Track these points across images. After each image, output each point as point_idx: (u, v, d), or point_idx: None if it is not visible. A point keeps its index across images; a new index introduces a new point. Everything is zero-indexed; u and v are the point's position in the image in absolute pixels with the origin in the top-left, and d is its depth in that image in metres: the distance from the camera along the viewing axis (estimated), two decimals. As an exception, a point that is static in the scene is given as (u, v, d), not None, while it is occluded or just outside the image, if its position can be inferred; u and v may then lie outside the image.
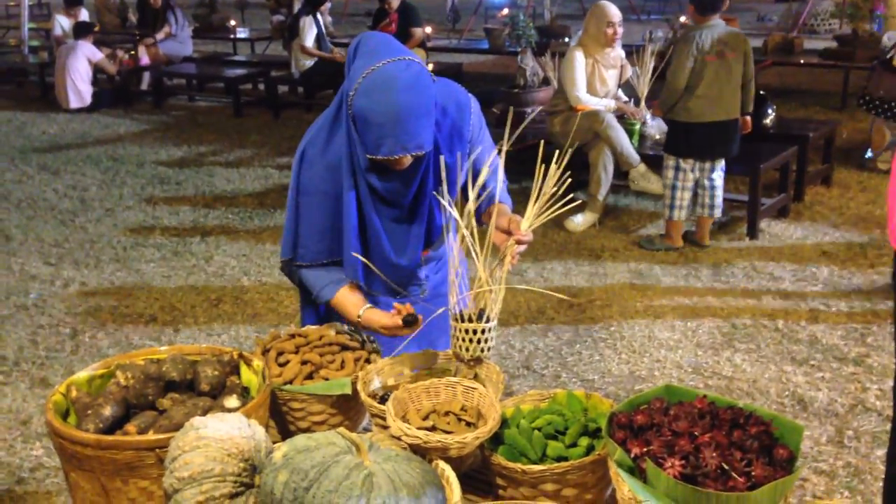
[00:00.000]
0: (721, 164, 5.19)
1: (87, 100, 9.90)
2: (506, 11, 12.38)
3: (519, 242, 1.97)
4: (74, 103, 9.82)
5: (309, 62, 9.31)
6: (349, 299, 2.12)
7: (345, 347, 2.01)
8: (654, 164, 5.63)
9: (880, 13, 8.66)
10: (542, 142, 2.01)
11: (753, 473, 1.37)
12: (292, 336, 2.04)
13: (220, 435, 1.47)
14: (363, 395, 1.78)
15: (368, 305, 2.12)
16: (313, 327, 2.08)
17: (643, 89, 5.90)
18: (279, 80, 9.93)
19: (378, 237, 2.09)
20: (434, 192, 2.05)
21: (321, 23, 9.40)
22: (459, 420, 1.72)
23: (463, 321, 1.86)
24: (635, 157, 5.68)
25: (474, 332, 1.86)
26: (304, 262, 2.15)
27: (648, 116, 5.96)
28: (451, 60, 11.00)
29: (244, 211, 6.33)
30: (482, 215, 2.17)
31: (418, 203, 2.08)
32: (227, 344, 4.23)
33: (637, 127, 5.88)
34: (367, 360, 1.98)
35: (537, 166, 1.88)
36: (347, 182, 2.02)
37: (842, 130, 7.36)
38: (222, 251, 5.53)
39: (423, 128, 1.88)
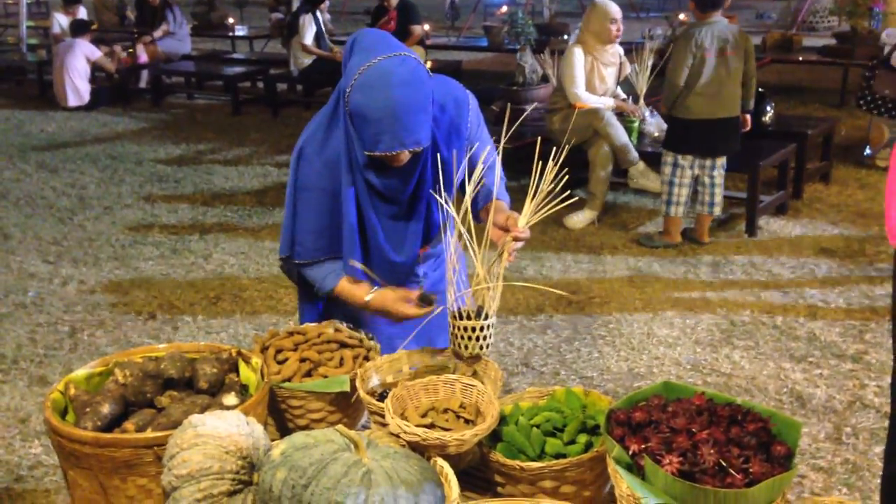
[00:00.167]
0: (722, 161, 5.19)
1: (86, 98, 9.89)
2: (505, 9, 12.38)
3: (516, 239, 1.97)
4: (73, 102, 9.81)
5: (308, 60, 9.31)
6: (354, 285, 2.12)
7: (343, 345, 2.01)
8: (653, 161, 5.63)
9: (879, 10, 8.66)
10: (539, 139, 2.01)
11: (751, 470, 1.37)
12: (291, 334, 2.04)
13: (218, 432, 1.47)
14: (362, 393, 1.78)
15: (376, 288, 2.10)
16: (312, 325, 2.08)
17: (642, 87, 5.90)
18: (278, 77, 9.92)
19: (376, 234, 2.09)
20: (431, 190, 2.05)
21: (320, 21, 9.40)
22: (458, 417, 1.72)
23: (461, 319, 1.86)
24: (634, 154, 5.68)
25: (472, 329, 1.86)
26: (303, 260, 2.15)
27: (647, 114, 5.96)
28: (451, 58, 11.00)
29: (243, 209, 6.33)
30: (480, 212, 2.17)
31: (416, 200, 2.08)
32: (225, 341, 4.23)
33: (636, 124, 5.88)
34: (366, 358, 1.98)
35: (535, 163, 1.88)
36: (346, 179, 2.02)
37: (840, 127, 7.36)
38: (221, 249, 5.53)
39: (420, 123, 1.88)
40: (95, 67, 10.08)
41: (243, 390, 1.83)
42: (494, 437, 1.69)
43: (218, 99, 10.62)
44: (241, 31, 12.93)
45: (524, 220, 1.96)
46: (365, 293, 2.09)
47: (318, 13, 9.41)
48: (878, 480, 2.89)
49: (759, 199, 5.55)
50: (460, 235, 1.90)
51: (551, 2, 12.63)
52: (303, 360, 1.94)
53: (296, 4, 10.98)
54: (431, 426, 1.68)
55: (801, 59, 9.20)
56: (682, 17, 9.43)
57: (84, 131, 8.96)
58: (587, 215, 5.76)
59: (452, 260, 1.98)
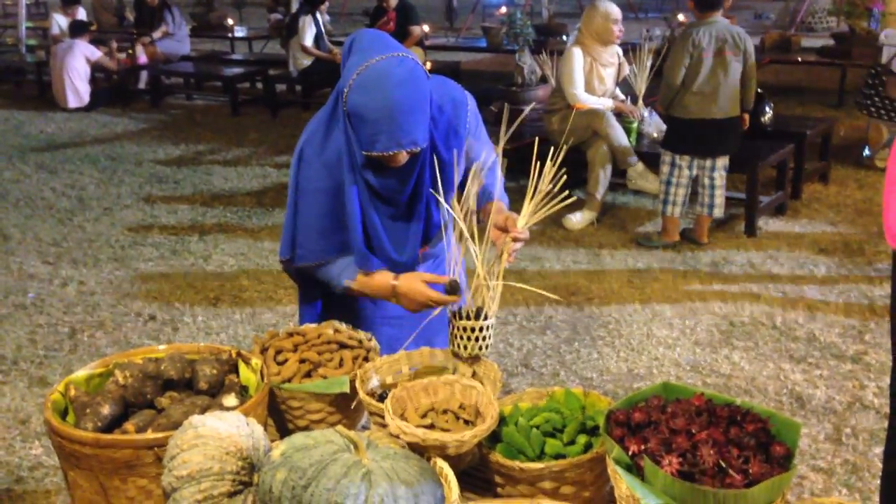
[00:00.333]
0: (722, 163, 5.18)
1: (86, 99, 9.89)
2: (503, 10, 12.38)
3: (516, 240, 1.98)
4: (73, 103, 9.82)
5: (307, 61, 9.31)
6: (374, 275, 2.10)
7: (343, 346, 2.01)
8: (652, 161, 5.63)
9: (877, 11, 8.67)
10: (537, 139, 2.01)
11: (751, 471, 1.37)
12: (291, 334, 2.04)
13: (218, 433, 1.47)
14: (361, 394, 1.78)
15: (395, 276, 2.08)
16: (312, 326, 2.08)
17: (640, 87, 5.91)
18: (277, 78, 9.93)
19: (377, 233, 2.09)
20: (431, 190, 2.05)
21: (320, 22, 9.40)
22: (458, 418, 1.72)
23: (461, 319, 1.87)
24: (633, 156, 5.68)
25: (472, 329, 1.86)
26: (310, 262, 2.14)
27: (646, 114, 5.97)
28: (449, 59, 11.00)
29: (242, 210, 6.33)
30: (479, 213, 2.17)
31: (415, 201, 2.08)
32: (225, 342, 4.23)
33: (634, 125, 5.88)
34: (366, 359, 1.98)
35: (533, 164, 1.89)
36: (349, 178, 2.01)
37: (839, 128, 7.37)
38: (220, 250, 5.53)
39: (418, 124, 1.88)
40: (95, 68, 10.08)
41: (243, 391, 1.83)
42: (494, 437, 1.69)
43: (217, 100, 10.62)
44: (239, 31, 12.93)
45: (523, 221, 1.97)
46: (390, 278, 2.07)
47: (318, 14, 9.42)
48: (878, 481, 2.89)
49: (758, 200, 5.55)
50: (460, 236, 1.90)
51: (550, 2, 12.64)
52: (302, 361, 1.94)
53: (295, 5, 10.99)
54: (431, 427, 1.68)
55: (799, 59, 9.21)
56: (680, 17, 9.43)
57: (83, 132, 8.96)
58: (586, 216, 5.77)
59: (452, 260, 1.99)
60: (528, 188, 1.90)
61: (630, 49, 5.98)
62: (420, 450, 1.57)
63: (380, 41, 1.91)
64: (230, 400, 1.75)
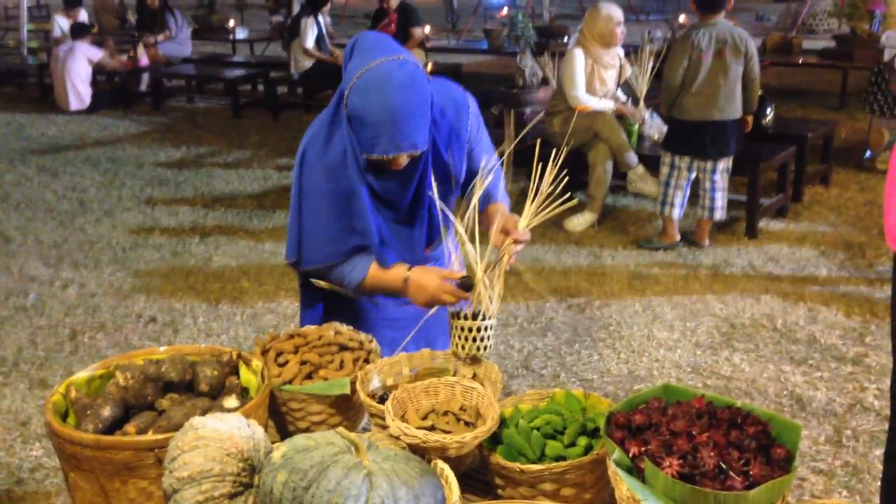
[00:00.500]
0: (724, 166, 5.18)
1: (87, 101, 9.91)
2: (505, 12, 12.40)
3: (516, 242, 1.98)
4: (75, 105, 9.83)
5: (308, 63, 9.32)
6: (386, 270, 2.09)
7: (344, 348, 2.01)
8: (653, 164, 5.63)
9: (879, 13, 8.67)
10: (539, 141, 2.02)
11: (751, 473, 1.37)
12: (291, 336, 2.04)
13: (219, 435, 1.47)
14: (362, 395, 1.78)
15: (409, 267, 2.07)
16: (312, 328, 2.08)
17: (642, 89, 5.91)
18: (278, 80, 9.93)
19: (385, 235, 2.09)
20: (432, 193, 2.05)
21: (322, 24, 9.41)
22: (458, 420, 1.72)
23: (459, 319, 1.87)
24: (634, 158, 5.69)
25: (469, 329, 1.86)
26: (318, 265, 2.13)
27: (647, 116, 5.97)
28: (450, 61, 11.00)
29: (243, 212, 6.34)
30: (480, 215, 2.17)
31: (417, 204, 2.08)
32: (226, 344, 4.23)
33: (636, 127, 5.88)
34: (366, 360, 1.98)
35: (534, 166, 1.89)
36: (358, 179, 2.01)
37: (840, 130, 7.37)
38: (221, 252, 5.53)
39: (418, 127, 1.88)
40: (97, 70, 10.09)
41: (244, 393, 1.83)
42: (494, 439, 1.69)
43: (218, 102, 10.63)
44: (241, 34, 12.94)
45: (524, 223, 1.97)
46: (403, 270, 2.07)
47: (320, 16, 9.43)
48: (879, 483, 2.89)
49: (760, 202, 5.55)
50: (461, 238, 1.91)
51: (551, 4, 12.65)
52: (303, 363, 1.94)
53: (296, 7, 11.00)
54: (432, 428, 1.68)
55: (800, 61, 9.21)
56: (681, 19, 9.44)
57: (84, 135, 8.97)
58: (587, 218, 5.77)
59: (453, 262, 1.99)
60: (529, 190, 1.91)
61: (632, 51, 5.98)
62: (421, 451, 1.57)
63: (381, 44, 1.92)
64: (231, 401, 1.75)
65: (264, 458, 1.50)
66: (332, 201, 2.05)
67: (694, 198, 5.41)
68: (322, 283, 2.15)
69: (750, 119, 5.30)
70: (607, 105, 5.71)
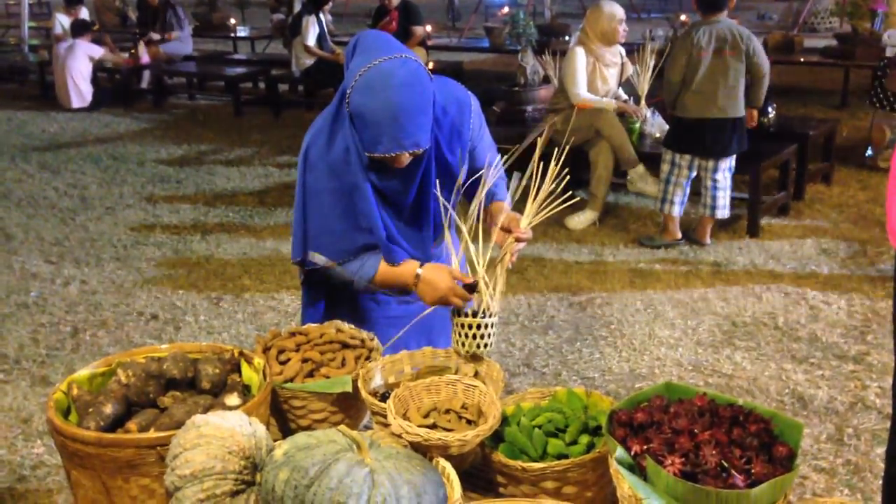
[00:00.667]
0: (725, 165, 5.17)
1: (89, 99, 9.92)
2: (506, 10, 12.39)
3: (518, 240, 1.98)
4: (76, 103, 9.84)
5: (309, 61, 9.31)
6: (395, 267, 2.08)
7: (345, 345, 2.01)
8: (654, 162, 5.64)
9: (880, 11, 8.66)
10: (539, 140, 2.02)
11: (753, 471, 1.37)
12: (293, 334, 2.04)
13: (221, 433, 1.47)
14: (364, 393, 1.78)
15: (421, 264, 2.06)
16: (314, 325, 2.08)
17: (643, 88, 5.91)
18: (279, 78, 9.93)
19: (393, 233, 2.09)
20: (435, 191, 2.05)
21: (323, 22, 9.40)
22: (460, 418, 1.72)
23: (460, 316, 1.87)
24: (635, 157, 5.69)
25: (470, 326, 1.86)
26: (327, 263, 2.13)
27: (649, 114, 5.96)
28: (452, 59, 11.00)
29: (244, 209, 6.34)
30: (483, 213, 2.17)
31: (420, 202, 2.07)
32: (227, 342, 4.23)
33: (637, 126, 5.88)
34: (368, 358, 1.98)
35: (535, 164, 1.89)
36: (361, 176, 2.01)
37: (842, 129, 7.36)
38: (223, 249, 5.53)
39: (420, 125, 1.88)
40: (98, 67, 10.09)
41: (245, 391, 1.83)
42: (496, 437, 1.69)
43: (219, 100, 10.63)
44: (242, 31, 12.94)
45: (526, 221, 1.97)
46: (412, 268, 2.06)
47: (321, 14, 9.42)
48: (880, 481, 2.89)
49: (761, 200, 5.55)
50: (464, 240, 1.91)
51: (552, 3, 12.63)
52: (305, 361, 1.94)
53: (297, 5, 10.98)
54: (433, 427, 1.68)
55: (802, 60, 9.20)
56: (683, 18, 9.43)
57: (86, 132, 8.97)
58: (588, 216, 5.77)
59: (455, 260, 1.99)
60: (530, 188, 1.91)
61: (633, 49, 5.98)
62: (422, 449, 1.57)
63: (383, 42, 1.92)
64: (233, 399, 1.75)
65: (266, 456, 1.50)
66: (337, 199, 2.04)
67: (696, 196, 5.41)
68: (319, 259, 2.11)
69: (755, 113, 5.28)
70: (609, 103, 5.71)
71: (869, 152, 6.97)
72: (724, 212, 5.29)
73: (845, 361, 3.95)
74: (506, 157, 2.17)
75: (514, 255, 1.99)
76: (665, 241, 5.38)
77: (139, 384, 1.76)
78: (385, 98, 1.83)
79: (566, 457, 1.63)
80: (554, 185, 1.91)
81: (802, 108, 9.05)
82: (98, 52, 9.91)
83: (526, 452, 1.65)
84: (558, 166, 1.89)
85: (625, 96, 6.00)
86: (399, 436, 1.59)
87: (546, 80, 6.72)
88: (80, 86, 9.81)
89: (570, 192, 1.93)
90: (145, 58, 10.44)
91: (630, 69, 5.89)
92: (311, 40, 9.21)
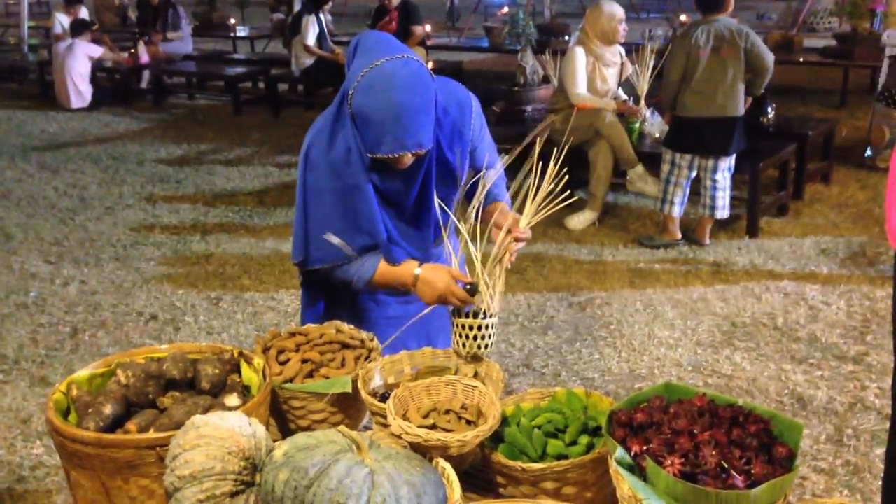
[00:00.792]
0: (725, 165, 5.17)
1: (88, 99, 9.92)
2: (506, 9, 12.39)
3: (518, 240, 1.98)
4: (76, 103, 9.84)
5: (309, 60, 9.32)
6: (395, 267, 2.08)
7: (345, 346, 2.01)
8: (653, 162, 5.64)
9: (879, 11, 8.66)
10: (539, 140, 2.02)
11: (753, 472, 1.37)
12: (293, 334, 2.04)
13: (220, 433, 1.47)
14: (363, 394, 1.78)
15: (420, 264, 2.06)
16: (314, 326, 2.08)
17: (643, 87, 5.91)
18: (279, 78, 9.93)
19: (393, 234, 2.09)
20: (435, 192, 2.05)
21: (323, 21, 9.41)
22: (460, 418, 1.72)
23: (460, 317, 1.87)
24: (634, 157, 5.69)
25: (471, 327, 1.86)
26: (325, 265, 2.12)
27: (648, 114, 5.97)
28: (451, 59, 11.00)
29: (244, 209, 6.34)
30: (483, 214, 2.17)
31: (422, 203, 2.07)
32: (227, 342, 4.23)
33: (637, 125, 5.88)
34: (368, 359, 1.98)
35: (535, 164, 1.89)
36: (363, 177, 2.01)
37: (841, 128, 7.36)
38: (222, 249, 5.53)
39: (423, 125, 1.88)
40: (98, 67, 10.08)
41: (245, 391, 1.83)
42: (496, 438, 1.69)
43: (219, 99, 10.62)
44: (242, 31, 12.94)
45: (526, 221, 1.97)
46: (411, 268, 2.06)
47: (321, 14, 9.42)
48: (880, 482, 2.89)
49: (760, 200, 5.55)
50: (463, 240, 1.91)
51: (552, 2, 12.63)
52: (304, 361, 1.94)
53: (297, 5, 10.99)
54: (433, 427, 1.68)
55: (801, 59, 9.20)
56: (682, 17, 9.43)
57: (85, 131, 8.97)
58: (588, 216, 5.77)
59: (455, 260, 1.99)
60: (530, 188, 1.90)
61: (633, 49, 5.98)
62: (422, 450, 1.57)
63: (385, 43, 1.91)
64: (232, 400, 1.75)
65: (266, 457, 1.50)
66: (338, 200, 2.04)
67: (695, 196, 5.41)
68: (334, 240, 2.10)
69: (749, 100, 5.26)
70: (608, 103, 5.71)
71: (868, 152, 6.97)
72: (723, 212, 5.29)
73: (845, 362, 3.95)
74: (504, 157, 2.17)
75: (513, 256, 1.99)
76: (664, 241, 5.38)
77: (139, 385, 1.76)
78: (387, 98, 1.83)
79: (566, 457, 1.63)
80: (553, 185, 1.91)
81: (802, 107, 9.05)
82: (97, 51, 9.91)
83: (525, 453, 1.65)
84: (557, 166, 1.89)
85: (624, 96, 6.00)
86: (399, 436, 1.59)
87: (546, 79, 6.71)
88: (79, 85, 9.81)
89: (570, 192, 1.93)
90: (144, 57, 10.44)
91: (629, 69, 5.89)
92: (311, 40, 9.21)
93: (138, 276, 5.12)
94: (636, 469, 1.43)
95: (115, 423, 1.70)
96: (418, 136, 1.88)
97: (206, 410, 1.68)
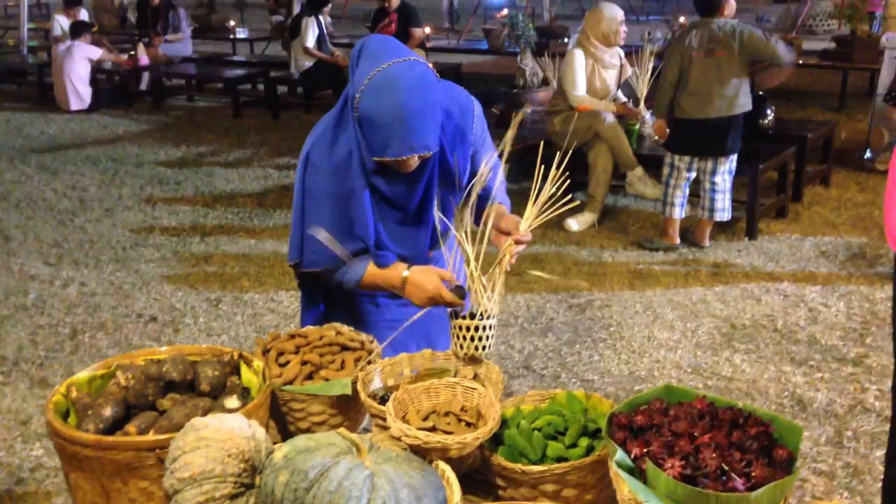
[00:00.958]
0: (724, 167, 5.17)
1: (87, 101, 9.92)
2: (505, 12, 12.38)
3: (518, 242, 1.98)
4: (75, 105, 9.84)
5: (308, 62, 9.32)
6: (384, 269, 2.08)
7: (345, 348, 2.01)
8: (652, 164, 5.64)
9: (879, 14, 8.67)
10: (542, 143, 2.02)
11: (753, 474, 1.37)
12: (292, 336, 2.04)
13: (220, 435, 1.47)
14: (363, 396, 1.78)
15: (408, 266, 2.06)
16: (313, 328, 2.08)
17: (642, 90, 5.91)
18: (278, 80, 9.94)
19: (383, 240, 2.09)
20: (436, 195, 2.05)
21: (322, 24, 9.41)
22: (459, 420, 1.72)
23: (458, 318, 1.87)
24: (634, 159, 5.69)
25: (467, 329, 1.86)
26: (318, 268, 2.12)
27: (647, 116, 5.97)
28: (451, 61, 11.01)
29: (243, 211, 6.33)
30: (482, 216, 2.17)
31: (424, 206, 2.07)
32: (226, 344, 4.23)
33: (636, 128, 5.89)
34: (368, 361, 1.98)
35: (537, 167, 1.89)
36: (359, 182, 2.01)
37: (840, 131, 7.37)
38: (222, 251, 5.53)
39: (429, 128, 1.88)
40: (97, 69, 10.09)
41: (245, 393, 1.83)
42: (496, 440, 1.69)
43: (218, 101, 10.62)
44: (241, 33, 12.95)
45: (526, 224, 1.97)
46: (402, 269, 2.06)
47: (320, 16, 9.43)
48: (880, 484, 2.89)
49: (760, 202, 5.55)
50: (461, 242, 1.90)
51: (551, 4, 12.64)
52: (304, 363, 1.94)
53: (296, 7, 11.00)
54: (433, 429, 1.68)
55: (800, 62, 9.18)
56: (681, 20, 9.44)
57: (84, 133, 8.96)
58: (587, 218, 5.77)
59: (454, 264, 1.99)
60: (531, 191, 1.90)
61: (632, 51, 5.99)
62: (422, 452, 1.57)
63: (389, 46, 1.91)
64: (232, 402, 1.74)
65: (265, 459, 1.49)
66: (335, 204, 2.04)
67: (695, 198, 5.41)
68: (322, 235, 2.09)
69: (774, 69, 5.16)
70: (608, 105, 5.71)
71: (867, 154, 6.98)
72: (722, 214, 5.29)
73: (844, 364, 3.95)
74: (498, 144, 2.17)
75: (513, 258, 1.99)
76: (664, 244, 5.38)
77: (138, 386, 1.76)
78: (394, 101, 1.83)
79: (566, 459, 1.63)
80: (554, 188, 1.91)
81: (801, 110, 9.06)
82: (97, 53, 9.91)
83: (525, 455, 1.65)
84: (559, 171, 1.89)
85: (623, 98, 6.00)
86: (398, 438, 1.59)
87: (545, 82, 6.72)
88: (78, 88, 9.81)
89: (570, 196, 1.93)
90: (144, 59, 10.45)
91: (629, 71, 5.90)
92: (311, 42, 9.21)
93: (138, 278, 5.12)
94: (636, 471, 1.43)
95: (115, 425, 1.69)
96: (425, 138, 1.88)
97: (205, 412, 1.68)
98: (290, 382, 1.88)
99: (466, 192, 2.04)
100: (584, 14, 5.90)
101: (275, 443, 1.54)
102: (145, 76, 10.69)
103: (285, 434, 1.93)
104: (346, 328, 2.06)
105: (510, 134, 1.95)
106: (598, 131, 5.60)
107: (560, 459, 1.63)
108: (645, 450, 1.43)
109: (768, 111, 6.01)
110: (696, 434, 1.45)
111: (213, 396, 1.80)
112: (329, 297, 2.28)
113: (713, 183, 5.20)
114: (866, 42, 8.40)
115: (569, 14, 15.63)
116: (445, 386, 1.80)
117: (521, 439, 1.67)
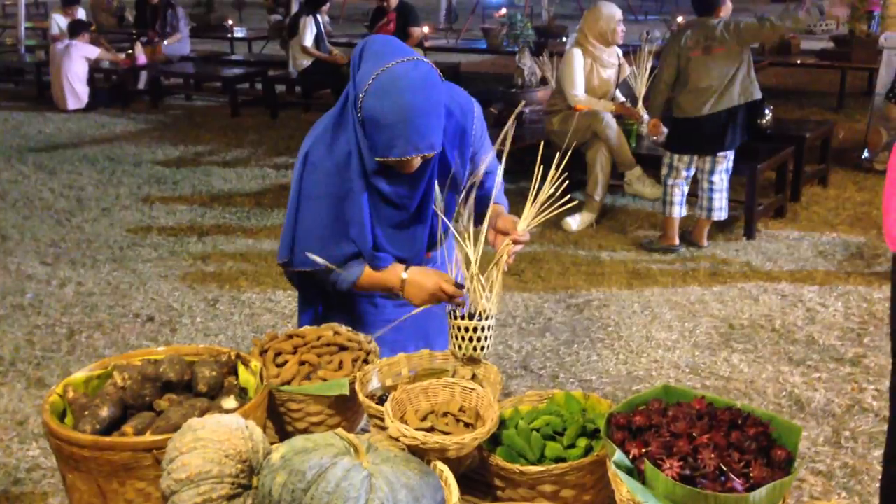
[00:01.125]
0: (722, 166, 5.17)
1: (85, 100, 9.91)
2: (503, 11, 12.38)
3: (516, 242, 1.98)
4: (73, 105, 9.83)
5: (307, 62, 9.32)
6: (381, 271, 2.08)
7: (342, 348, 2.00)
8: (651, 164, 5.64)
9: (877, 13, 8.68)
10: (542, 143, 2.02)
11: (752, 474, 1.37)
12: (290, 336, 2.03)
13: (217, 436, 1.47)
14: (361, 396, 1.78)
15: (406, 268, 2.06)
16: (311, 328, 2.07)
17: (640, 89, 5.91)
18: (276, 79, 9.93)
19: (381, 242, 2.08)
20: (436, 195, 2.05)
21: (321, 23, 9.41)
22: (458, 421, 1.72)
23: (456, 318, 1.87)
24: (632, 159, 5.69)
25: (466, 329, 1.86)
26: (308, 268, 2.12)
27: (646, 116, 5.97)
28: (449, 60, 11.00)
29: (241, 210, 6.33)
30: (480, 216, 2.17)
31: (424, 206, 2.07)
32: (224, 344, 4.22)
33: (634, 127, 5.89)
34: (365, 361, 1.97)
35: (536, 166, 1.89)
36: (358, 184, 2.00)
37: (838, 131, 7.37)
38: (219, 251, 5.52)
39: (434, 127, 1.87)
40: (95, 68, 10.08)
41: (242, 393, 1.82)
42: (494, 440, 1.69)
43: (216, 100, 10.62)
44: (239, 32, 12.94)
45: (524, 224, 1.97)
46: (400, 270, 2.06)
47: (319, 15, 9.42)
48: (878, 484, 2.89)
49: (758, 202, 5.55)
50: (459, 241, 1.90)
51: (550, 4, 12.64)
52: (302, 363, 1.93)
53: (295, 6, 10.99)
54: (431, 430, 1.67)
55: (799, 62, 9.22)
56: (679, 19, 9.44)
57: (82, 132, 8.95)
58: (585, 217, 5.77)
59: (452, 263, 1.99)
60: (529, 191, 1.90)
61: (630, 50, 5.99)
62: (420, 452, 1.56)
63: (392, 46, 1.91)
64: (229, 402, 1.74)
65: (263, 460, 1.49)
66: (331, 205, 2.04)
67: (693, 198, 5.41)
68: (320, 260, 2.10)
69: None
70: (606, 105, 5.71)
71: (865, 154, 6.98)
72: (720, 213, 5.29)
73: (842, 364, 3.95)
74: (495, 144, 2.16)
75: (510, 258, 1.99)
76: (662, 245, 5.38)
77: (135, 387, 1.75)
78: (399, 101, 1.82)
79: (564, 460, 1.62)
80: (552, 188, 1.91)
81: (799, 110, 9.06)
82: (94, 52, 9.90)
83: (524, 455, 1.65)
84: (558, 171, 1.89)
85: (622, 98, 6.00)
86: (396, 439, 1.58)
87: (544, 81, 6.72)
88: (76, 87, 9.80)
89: (568, 196, 1.93)
90: (142, 58, 10.43)
91: (627, 70, 5.90)
92: (309, 41, 9.20)
93: (135, 278, 5.11)
94: (635, 472, 1.43)
95: (112, 426, 1.69)
96: (430, 137, 1.87)
97: (202, 413, 1.67)
98: (288, 383, 1.87)
99: (465, 191, 2.03)
100: (582, 13, 5.90)
101: (272, 443, 1.53)
102: (143, 75, 10.68)
103: (283, 434, 1.92)
104: (343, 328, 2.06)
105: (508, 128, 1.95)
106: (597, 131, 5.60)
107: (558, 460, 1.63)
108: (643, 450, 1.43)
109: (766, 111, 6.00)
110: (694, 434, 1.45)
111: (211, 397, 1.79)
112: (326, 297, 2.27)
113: (711, 182, 5.20)
114: (865, 42, 8.40)
115: (567, 13, 15.63)
116: (444, 386, 1.80)
117: (520, 440, 1.66)
